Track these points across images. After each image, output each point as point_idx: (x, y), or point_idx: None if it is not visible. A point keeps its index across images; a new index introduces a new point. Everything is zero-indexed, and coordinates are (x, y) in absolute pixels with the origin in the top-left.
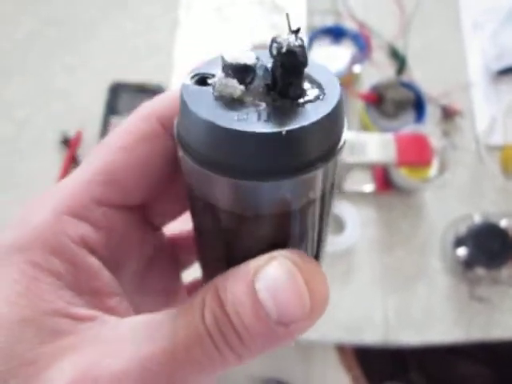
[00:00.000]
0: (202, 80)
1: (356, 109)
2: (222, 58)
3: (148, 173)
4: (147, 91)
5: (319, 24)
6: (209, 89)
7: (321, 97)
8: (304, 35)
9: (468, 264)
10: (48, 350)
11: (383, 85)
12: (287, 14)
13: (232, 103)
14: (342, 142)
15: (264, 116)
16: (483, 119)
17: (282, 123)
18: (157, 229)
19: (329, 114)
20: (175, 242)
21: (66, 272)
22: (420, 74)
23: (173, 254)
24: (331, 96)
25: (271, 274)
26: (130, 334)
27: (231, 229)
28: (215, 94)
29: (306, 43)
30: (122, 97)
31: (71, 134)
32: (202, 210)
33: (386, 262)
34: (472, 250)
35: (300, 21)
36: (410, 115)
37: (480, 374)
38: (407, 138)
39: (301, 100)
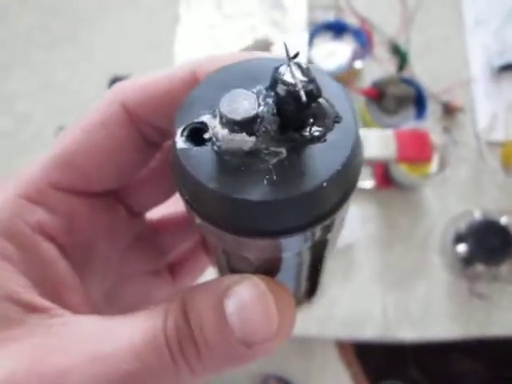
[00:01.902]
0: (195, 134)
1: (356, 105)
2: (221, 113)
3: (109, 158)
4: None
5: (320, 19)
6: (209, 148)
7: (337, 118)
8: (305, 33)
9: (468, 260)
10: None
11: (384, 81)
12: (285, 44)
13: (244, 159)
14: (360, 173)
15: (292, 166)
16: (484, 115)
17: (316, 172)
18: (137, 215)
19: (355, 143)
20: (158, 227)
21: (19, 258)
22: (421, 70)
23: (155, 241)
24: (345, 111)
25: (243, 291)
26: (83, 333)
27: (242, 265)
28: (220, 151)
29: (312, 74)
30: None
31: None
32: (217, 252)
33: (385, 258)
34: (472, 247)
35: (301, 16)
36: (410, 111)
37: (478, 370)
38: (407, 134)
39: (319, 132)
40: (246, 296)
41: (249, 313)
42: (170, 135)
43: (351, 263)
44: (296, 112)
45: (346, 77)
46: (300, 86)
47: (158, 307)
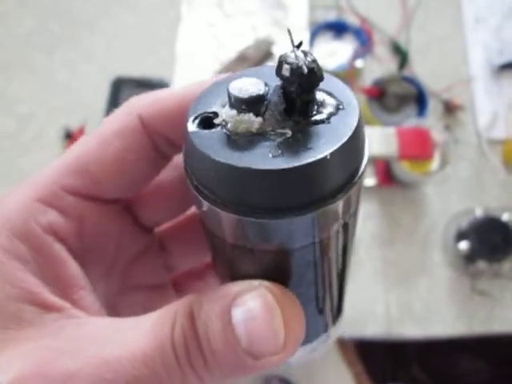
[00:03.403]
0: (206, 121)
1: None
2: (230, 93)
3: (122, 167)
4: (150, 86)
5: (321, 19)
6: (219, 130)
7: (340, 106)
8: (306, 33)
9: (470, 258)
10: (4, 337)
11: (385, 79)
12: (289, 30)
13: (252, 138)
14: (365, 160)
15: (297, 143)
16: (485, 113)
17: (323, 145)
18: (146, 230)
19: (358, 125)
20: (166, 239)
21: (31, 258)
22: (422, 69)
23: (163, 257)
24: (348, 102)
25: (249, 302)
26: (93, 335)
27: (248, 261)
28: (229, 133)
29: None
30: (124, 92)
31: (74, 128)
32: (224, 253)
33: (387, 256)
34: (474, 244)
35: (302, 16)
36: (411, 109)
37: (481, 369)
38: (409, 132)
39: (323, 116)
40: (252, 307)
41: (255, 325)
42: (180, 147)
43: (353, 261)
44: (300, 92)
45: (347, 76)
46: (302, 62)
47: (167, 311)
